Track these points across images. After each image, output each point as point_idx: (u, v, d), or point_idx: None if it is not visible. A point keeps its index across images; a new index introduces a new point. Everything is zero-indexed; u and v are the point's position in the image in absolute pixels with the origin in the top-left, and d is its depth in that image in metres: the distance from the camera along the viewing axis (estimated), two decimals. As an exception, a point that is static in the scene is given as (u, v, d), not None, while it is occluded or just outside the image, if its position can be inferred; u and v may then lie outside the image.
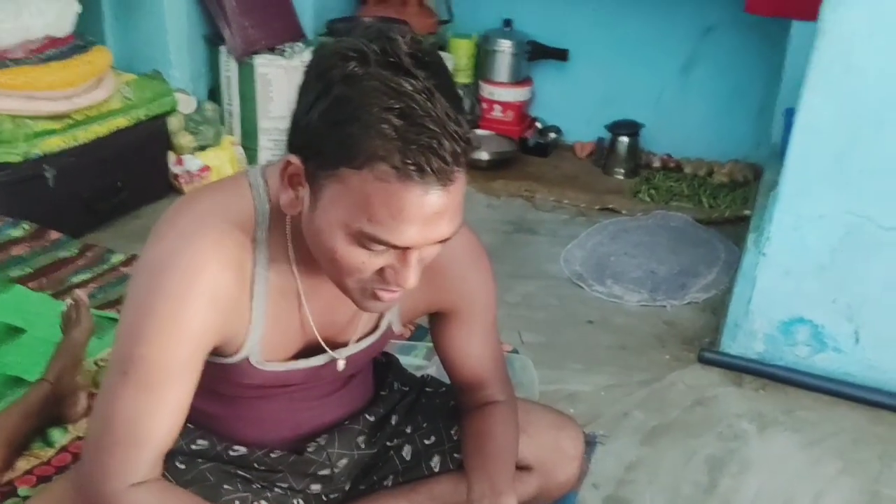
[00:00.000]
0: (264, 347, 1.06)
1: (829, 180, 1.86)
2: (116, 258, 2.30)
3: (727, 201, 3.10)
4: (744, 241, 2.10)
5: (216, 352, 1.03)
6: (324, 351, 1.12)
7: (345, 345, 1.15)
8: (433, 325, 1.25)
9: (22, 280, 2.14)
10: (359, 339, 1.16)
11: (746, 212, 2.85)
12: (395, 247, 0.88)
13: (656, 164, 3.43)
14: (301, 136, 0.90)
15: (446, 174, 0.85)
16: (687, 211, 3.05)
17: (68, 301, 1.67)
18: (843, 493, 1.71)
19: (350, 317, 1.13)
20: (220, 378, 1.08)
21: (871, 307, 1.93)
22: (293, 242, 1.01)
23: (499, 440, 1.20)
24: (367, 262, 0.91)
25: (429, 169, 0.83)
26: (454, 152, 0.84)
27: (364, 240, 0.88)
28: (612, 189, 3.24)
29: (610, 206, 3.09)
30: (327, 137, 0.86)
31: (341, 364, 1.15)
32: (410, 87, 0.82)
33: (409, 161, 0.83)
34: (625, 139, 3.34)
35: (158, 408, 0.97)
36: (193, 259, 0.95)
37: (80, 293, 1.69)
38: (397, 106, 0.82)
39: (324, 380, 1.18)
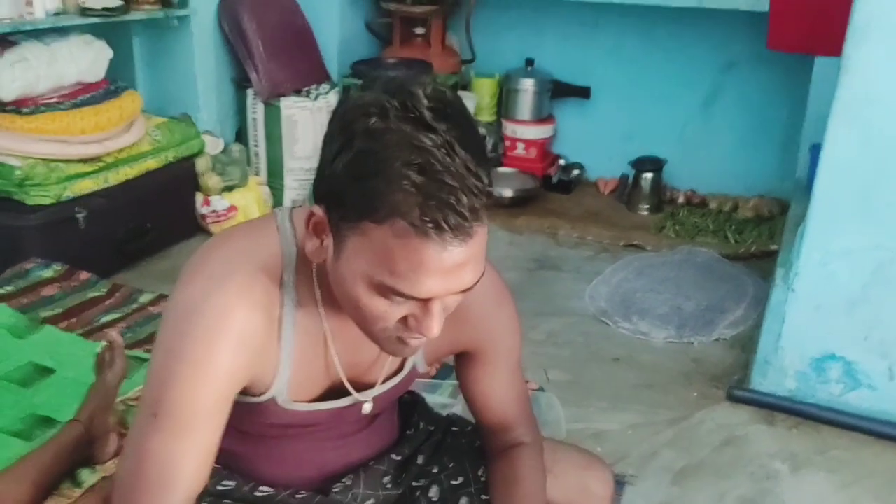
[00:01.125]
0: (291, 388, 1.07)
1: (857, 215, 1.84)
2: (145, 298, 2.33)
3: (753, 236, 3.08)
4: (772, 277, 2.08)
5: (244, 392, 1.04)
6: (349, 392, 1.12)
7: (370, 385, 1.15)
8: (458, 366, 1.24)
9: (52, 320, 2.17)
10: (384, 380, 1.16)
11: (773, 246, 2.82)
12: (416, 299, 0.89)
13: (681, 199, 3.42)
14: (325, 187, 0.91)
15: (464, 230, 0.85)
16: (712, 246, 3.03)
17: (103, 343, 1.69)
18: (880, 535, 1.67)
19: (375, 357, 1.13)
20: (246, 418, 1.08)
21: (905, 343, 1.89)
22: (319, 285, 1.01)
23: (527, 486, 1.19)
24: (389, 311, 0.91)
25: (446, 226, 0.84)
26: (473, 207, 0.85)
27: (386, 291, 0.89)
28: (636, 225, 3.23)
29: (634, 242, 3.08)
30: (349, 190, 0.87)
31: (367, 407, 1.15)
32: (430, 143, 0.83)
33: (427, 218, 0.83)
34: (648, 175, 3.34)
35: (188, 450, 0.97)
36: (222, 303, 0.96)
37: (116, 335, 1.70)
38: (417, 161, 0.83)
39: (349, 420, 1.18)
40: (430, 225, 0.83)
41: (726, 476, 1.83)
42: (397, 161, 0.83)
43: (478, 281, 0.91)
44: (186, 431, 0.96)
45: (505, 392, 1.23)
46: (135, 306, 2.30)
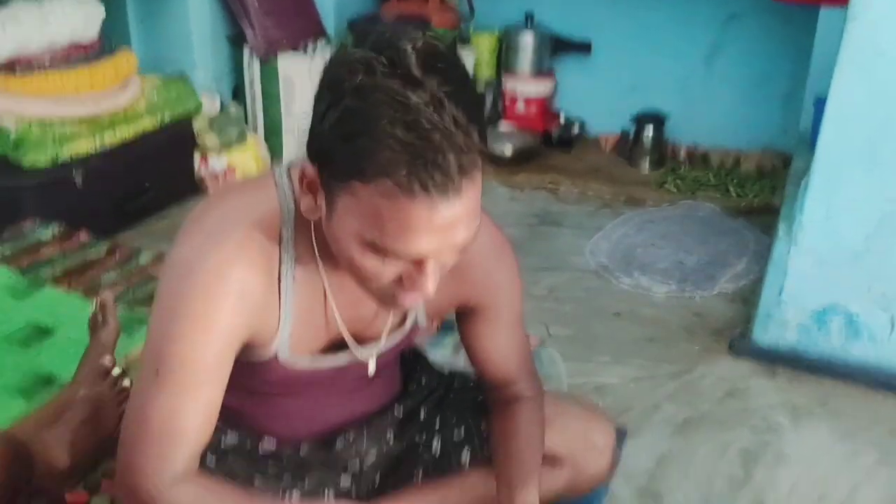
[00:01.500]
0: (293, 344, 1.07)
1: (862, 167, 1.82)
2: (144, 258, 2.32)
3: (755, 190, 3.06)
4: (774, 230, 2.07)
5: (245, 349, 1.04)
6: (351, 347, 1.12)
7: (372, 340, 1.15)
8: (460, 321, 1.24)
9: (52, 281, 2.16)
10: (386, 336, 1.16)
11: (775, 201, 2.81)
12: (408, 258, 0.88)
13: (682, 154, 3.39)
14: (315, 145, 0.90)
15: (453, 188, 0.83)
16: (714, 201, 3.02)
17: (94, 303, 1.68)
18: (880, 484, 1.68)
19: (376, 313, 1.13)
20: (249, 375, 1.08)
21: (907, 295, 1.89)
22: (318, 241, 1.01)
23: (524, 440, 1.19)
24: (383, 270, 0.91)
25: (433, 185, 0.82)
26: (461, 165, 0.83)
27: (377, 250, 0.88)
28: (637, 181, 3.21)
29: (636, 197, 3.07)
30: (337, 149, 0.86)
31: (372, 365, 1.15)
32: (418, 99, 0.81)
33: (414, 177, 0.82)
34: (650, 130, 3.32)
35: (191, 406, 0.97)
36: (221, 259, 0.96)
37: (106, 295, 1.70)
38: (403, 119, 0.81)
39: (352, 376, 1.18)
40: (417, 184, 0.82)
41: (728, 428, 1.84)
42: (383, 119, 0.82)
43: (472, 238, 0.90)
44: (189, 388, 0.96)
45: (506, 346, 1.23)
46: (134, 266, 2.29)
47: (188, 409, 0.97)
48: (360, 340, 1.13)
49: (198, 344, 0.96)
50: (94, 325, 1.66)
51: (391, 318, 1.15)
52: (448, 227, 0.85)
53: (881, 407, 1.92)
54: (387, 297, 0.95)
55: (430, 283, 0.90)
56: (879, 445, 1.79)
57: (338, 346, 1.13)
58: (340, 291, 1.07)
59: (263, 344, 1.05)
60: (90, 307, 1.68)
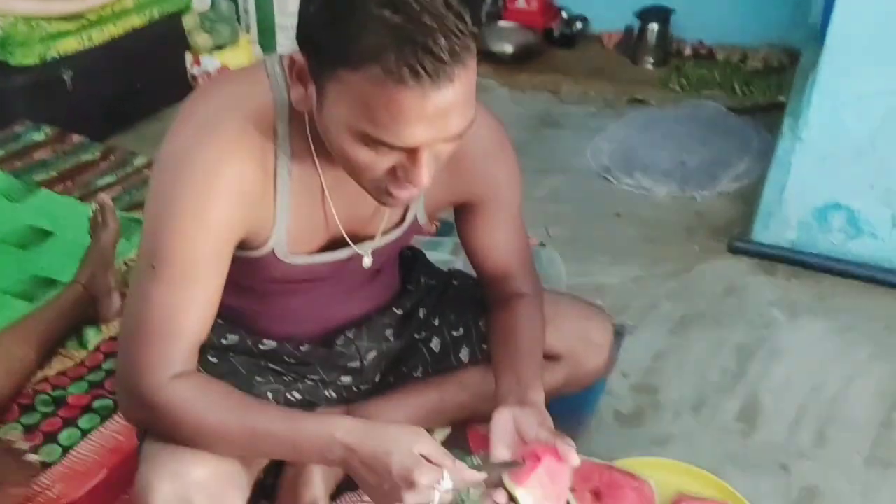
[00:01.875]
0: (290, 241, 1.06)
1: (871, 59, 1.77)
2: (140, 161, 2.30)
3: (761, 88, 3.00)
4: (779, 128, 2.03)
5: (242, 246, 1.03)
6: (349, 245, 1.11)
7: (370, 238, 1.13)
8: (459, 219, 1.23)
9: (47, 184, 2.14)
10: (384, 233, 1.15)
11: (781, 98, 2.75)
12: (400, 148, 0.85)
13: (687, 51, 3.30)
14: (303, 31, 0.86)
15: (444, 74, 0.80)
16: (719, 99, 2.96)
17: (93, 205, 1.68)
18: (873, 377, 1.71)
19: (374, 210, 1.11)
20: (247, 273, 1.08)
21: (911, 191, 1.88)
22: (313, 135, 0.98)
23: (525, 334, 1.19)
24: (376, 161, 0.88)
25: (423, 71, 0.79)
26: (453, 50, 0.79)
27: (369, 141, 0.85)
28: (640, 79, 3.14)
29: (638, 97, 3.01)
30: (324, 35, 0.82)
31: (367, 261, 1.14)
32: None
33: (403, 63, 0.78)
34: (654, 26, 3.21)
35: (189, 300, 0.97)
36: (214, 152, 0.94)
37: (105, 197, 1.69)
38: (393, 0, 0.78)
39: (350, 274, 1.18)
40: (407, 70, 0.79)
41: (724, 325, 1.86)
42: (370, 1, 0.78)
43: (467, 128, 0.87)
44: (186, 281, 0.96)
45: (506, 242, 1.22)
46: (130, 169, 2.27)
47: (186, 304, 0.96)
48: (359, 240, 1.12)
49: (194, 238, 0.94)
50: (95, 227, 1.67)
51: (389, 215, 1.14)
52: (441, 116, 0.82)
53: (879, 303, 1.93)
54: (382, 192, 0.93)
55: (425, 174, 0.88)
56: (874, 340, 1.81)
57: (336, 246, 1.12)
58: (338, 189, 1.05)
59: (260, 240, 1.04)
60: (89, 209, 1.67)
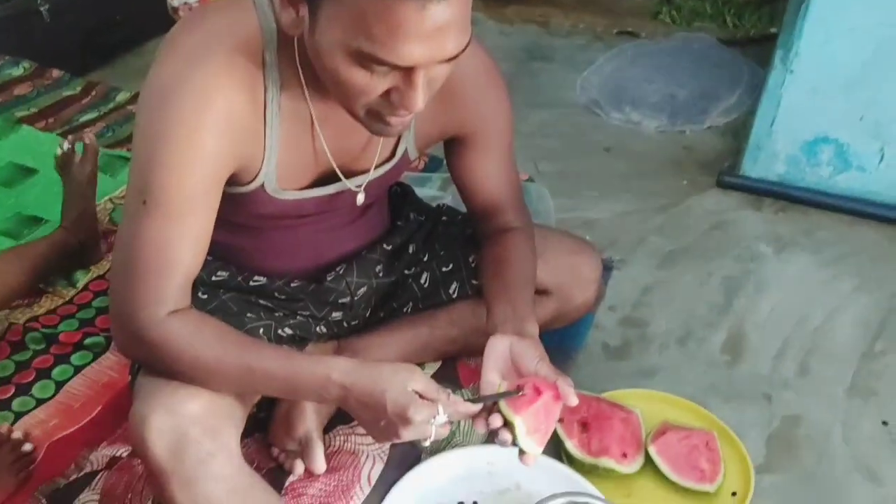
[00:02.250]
0: (280, 175, 1.04)
1: (865, -12, 1.75)
2: (122, 96, 2.26)
3: (753, 20, 2.96)
4: (770, 60, 2.01)
5: (232, 181, 1.02)
6: (339, 179, 1.10)
7: (361, 173, 1.12)
8: (449, 153, 1.22)
9: (28, 120, 2.10)
10: (375, 167, 1.14)
11: (773, 30, 2.72)
12: (397, 67, 0.84)
13: (679, -19, 3.24)
14: None
15: None
16: (710, 31, 2.92)
17: (63, 142, 1.61)
18: (857, 308, 1.73)
19: (365, 143, 1.10)
20: (237, 208, 1.07)
21: (900, 124, 1.87)
22: (303, 66, 0.96)
23: (517, 266, 1.19)
24: (371, 83, 0.86)
25: None
26: None
27: (365, 60, 0.83)
28: (631, 11, 3.09)
29: (629, 29, 2.97)
30: None
31: (360, 198, 1.13)
32: None
33: None
34: (646, -45, 3.15)
35: (181, 235, 0.96)
36: (203, 83, 0.92)
37: (90, 135, 1.63)
38: None
39: (340, 209, 1.17)
40: None
41: (712, 258, 1.87)
42: None
43: (462, 49, 0.85)
44: (177, 216, 0.95)
45: (496, 175, 1.22)
46: (112, 105, 2.23)
47: (177, 238, 0.96)
48: (350, 174, 1.11)
49: (185, 172, 0.93)
50: (64, 165, 1.61)
51: (380, 149, 1.12)
52: (438, 33, 0.81)
53: (865, 236, 1.95)
54: (375, 118, 0.92)
55: (420, 97, 0.86)
56: (860, 272, 1.83)
57: (326, 180, 1.11)
58: (328, 122, 1.03)
59: (250, 174, 1.02)
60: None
